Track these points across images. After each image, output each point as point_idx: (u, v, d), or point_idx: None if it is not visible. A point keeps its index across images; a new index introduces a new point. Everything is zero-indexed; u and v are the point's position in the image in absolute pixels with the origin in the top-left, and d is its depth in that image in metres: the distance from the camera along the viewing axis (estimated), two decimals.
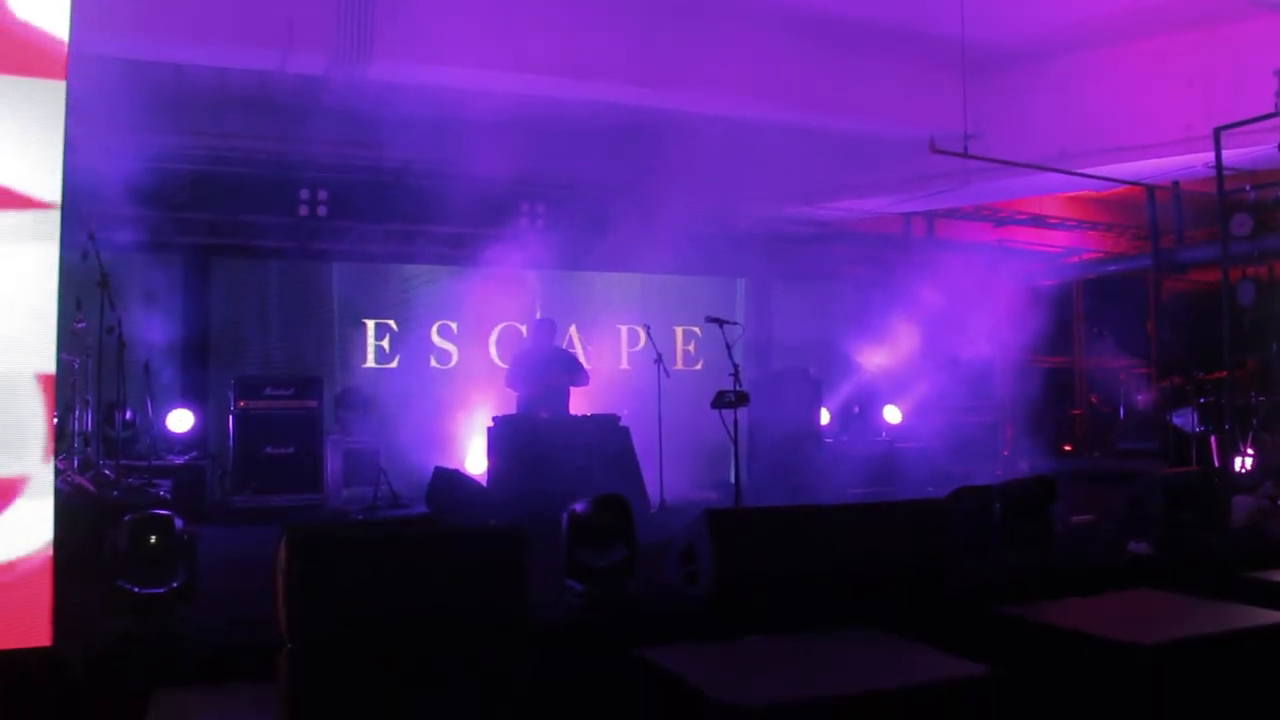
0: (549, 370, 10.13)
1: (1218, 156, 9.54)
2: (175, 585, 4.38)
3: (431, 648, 3.91)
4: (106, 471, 7.91)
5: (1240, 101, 9.11)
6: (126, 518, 4.52)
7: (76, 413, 8.17)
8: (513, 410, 10.08)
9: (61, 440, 7.66)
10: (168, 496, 7.99)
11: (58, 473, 4.83)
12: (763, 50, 10.05)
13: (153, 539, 4.44)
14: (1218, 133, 9.44)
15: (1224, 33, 9.89)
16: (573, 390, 10.27)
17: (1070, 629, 4.55)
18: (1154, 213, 13.25)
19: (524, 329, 12.08)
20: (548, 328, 10.47)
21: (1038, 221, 14.41)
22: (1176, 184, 12.45)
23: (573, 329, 12.71)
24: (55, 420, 4.22)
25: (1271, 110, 7.95)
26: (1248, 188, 10.58)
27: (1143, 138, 10.46)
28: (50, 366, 4.16)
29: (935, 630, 4.67)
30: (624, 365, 12.89)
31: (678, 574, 5.31)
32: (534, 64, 9.27)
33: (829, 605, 4.94)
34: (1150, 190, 12.84)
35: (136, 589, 4.32)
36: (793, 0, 9.74)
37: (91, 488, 7.35)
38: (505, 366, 11.04)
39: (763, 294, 14.14)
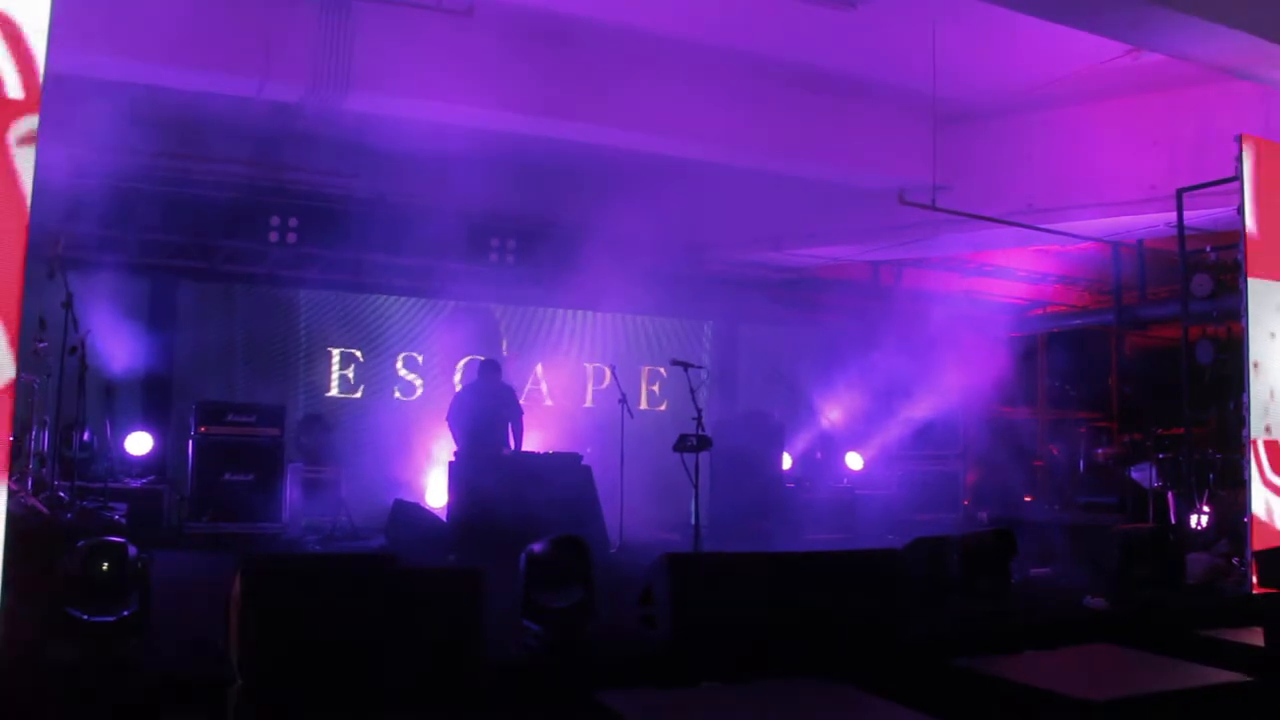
0: (493, 409, 10.10)
1: (1179, 217, 9.69)
2: (126, 614, 4.33)
3: (385, 687, 3.88)
4: (61, 493, 7.80)
5: (1202, 164, 9.26)
6: (79, 544, 4.46)
7: (34, 433, 8.06)
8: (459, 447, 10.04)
9: (17, 460, 7.56)
10: (123, 520, 7.91)
11: (10, 493, 4.77)
12: (736, 97, 10.15)
13: (105, 566, 4.39)
14: (1180, 194, 9.60)
15: (1188, 96, 10.08)
16: (531, 426, 10.25)
17: (1022, 683, 4.57)
18: (1118, 269, 13.44)
19: None
20: (493, 369, 10.42)
21: (1004, 273, 14.57)
22: (1140, 242, 12.63)
23: (538, 366, 12.69)
24: (10, 439, 4.18)
25: (1232, 174, 8.08)
26: (1208, 249, 10.74)
27: (1107, 195, 10.62)
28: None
29: (890, 681, 4.68)
30: (588, 404, 12.87)
31: (636, 616, 5.30)
32: (508, 102, 9.31)
33: (786, 653, 4.94)
34: (1115, 247, 13.02)
35: (86, 617, 4.26)
36: (766, 49, 9.83)
37: (45, 509, 7.24)
38: None
39: (730, 337, 14.19)
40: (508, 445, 10.03)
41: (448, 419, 10.11)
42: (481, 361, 10.63)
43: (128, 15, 7.94)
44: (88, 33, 7.43)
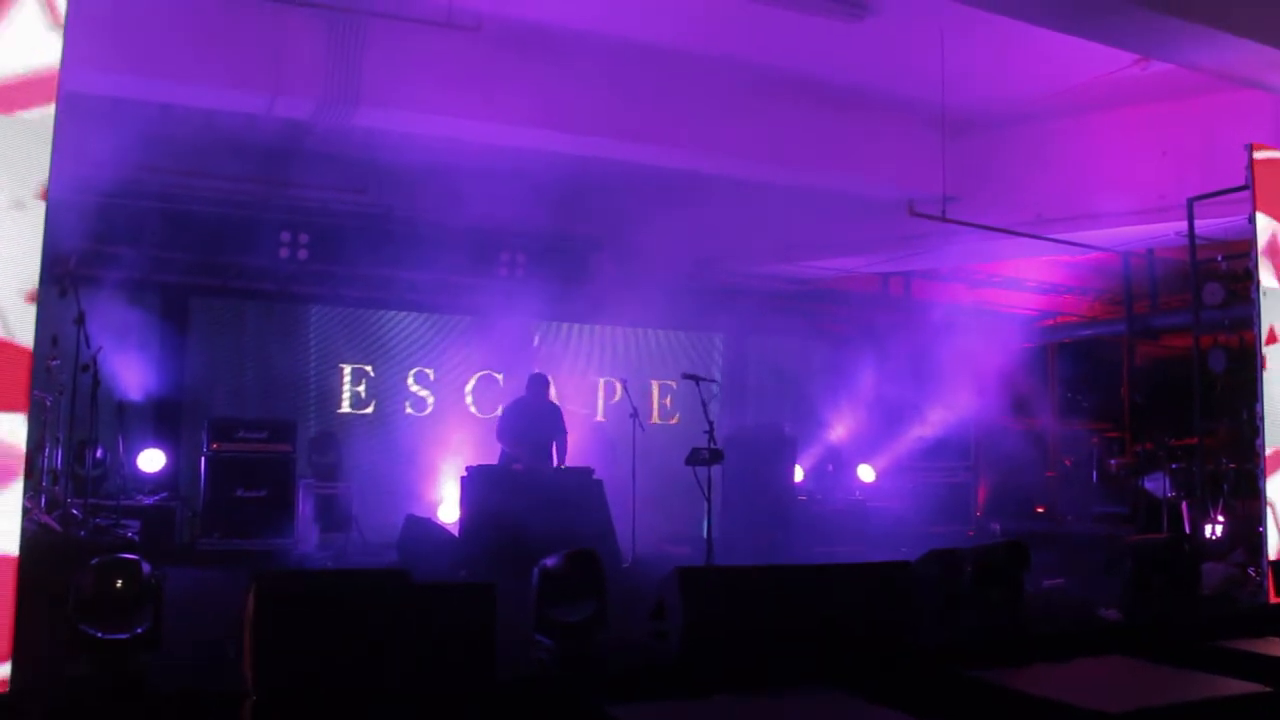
0: (541, 426, 10.10)
1: (1190, 226, 9.67)
2: (140, 631, 4.32)
3: (398, 702, 3.88)
4: (74, 510, 7.82)
5: (1212, 172, 9.23)
6: (93, 561, 4.47)
7: (47, 450, 8.08)
8: (488, 460, 10.03)
9: (30, 478, 7.57)
10: (135, 538, 7.91)
11: (24, 511, 4.78)
12: (744, 109, 10.15)
13: (118, 583, 4.39)
14: (1190, 203, 9.58)
15: (1197, 105, 10.06)
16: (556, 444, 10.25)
17: (1036, 695, 4.55)
18: (1128, 278, 13.41)
19: (500, 378, 12.07)
20: (542, 384, 10.39)
21: (1014, 284, 14.54)
22: (1151, 251, 12.60)
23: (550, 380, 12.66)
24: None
25: (1243, 183, 8.08)
26: (1219, 257, 10.70)
27: (1117, 205, 10.57)
28: None
29: (903, 692, 4.67)
30: (600, 418, 12.85)
31: (648, 630, 5.29)
32: (517, 117, 9.34)
33: (798, 665, 4.93)
34: (1125, 256, 13.00)
35: (100, 634, 4.26)
36: (775, 61, 9.83)
37: (58, 527, 7.26)
38: (481, 415, 11.01)
39: (740, 349, 14.17)
40: (558, 462, 10.07)
41: (498, 434, 10.11)
42: (531, 376, 10.49)
43: (139, 33, 7.97)
44: (100, 51, 7.47)
